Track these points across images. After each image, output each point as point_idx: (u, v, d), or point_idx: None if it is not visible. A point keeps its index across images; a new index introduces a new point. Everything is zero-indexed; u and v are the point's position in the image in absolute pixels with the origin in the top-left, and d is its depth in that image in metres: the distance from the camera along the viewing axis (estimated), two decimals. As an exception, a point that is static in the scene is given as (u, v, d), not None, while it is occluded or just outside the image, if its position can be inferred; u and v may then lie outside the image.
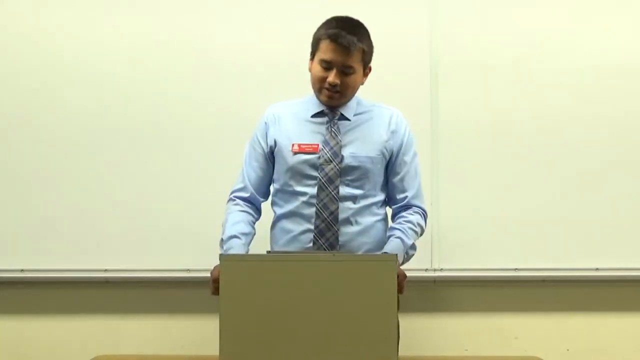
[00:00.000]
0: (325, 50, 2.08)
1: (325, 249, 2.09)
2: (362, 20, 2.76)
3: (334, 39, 2.05)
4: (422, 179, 2.24)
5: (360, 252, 2.12)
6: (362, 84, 2.18)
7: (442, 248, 2.76)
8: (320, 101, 2.17)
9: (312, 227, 2.11)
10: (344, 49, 2.05)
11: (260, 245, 2.17)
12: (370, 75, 2.60)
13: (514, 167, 2.77)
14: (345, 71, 2.09)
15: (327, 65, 2.09)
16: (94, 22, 2.79)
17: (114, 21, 2.78)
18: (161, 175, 2.76)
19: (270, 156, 2.20)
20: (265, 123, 2.21)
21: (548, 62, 2.78)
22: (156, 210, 2.75)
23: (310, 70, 2.15)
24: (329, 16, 2.16)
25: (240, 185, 2.22)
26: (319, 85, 2.13)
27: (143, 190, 2.76)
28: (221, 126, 2.63)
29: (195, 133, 2.76)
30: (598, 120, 2.78)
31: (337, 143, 2.14)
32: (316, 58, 2.12)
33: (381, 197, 2.21)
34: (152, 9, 2.79)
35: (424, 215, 2.23)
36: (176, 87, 2.77)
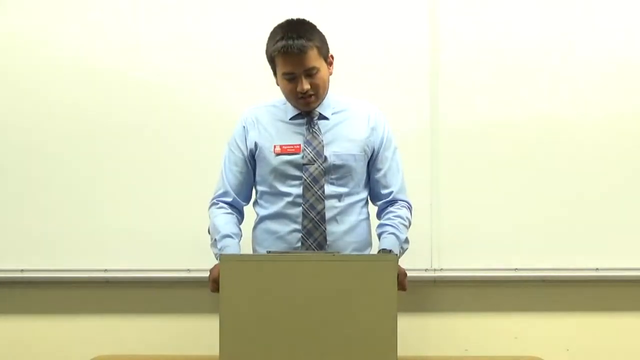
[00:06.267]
0: (283, 64, 2.08)
1: (313, 249, 2.10)
2: (361, 21, 2.79)
3: (285, 51, 2.05)
4: (404, 173, 2.26)
5: (347, 251, 2.13)
6: (331, 74, 2.18)
7: (442, 248, 2.76)
8: (300, 110, 2.18)
9: (299, 227, 2.12)
10: (299, 55, 2.05)
11: (243, 247, 2.18)
12: (370, 75, 2.61)
13: (514, 167, 2.77)
14: (309, 74, 2.09)
15: (290, 77, 2.09)
16: (91, 21, 2.79)
17: (113, 21, 2.79)
18: (161, 175, 2.76)
19: (251, 159, 2.20)
20: (244, 127, 2.21)
21: (548, 62, 2.78)
22: (156, 210, 2.75)
23: (278, 84, 2.16)
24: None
25: (222, 190, 2.22)
26: (293, 97, 2.13)
27: (143, 190, 2.76)
28: (222, 127, 2.61)
29: (196, 133, 2.76)
30: (598, 121, 2.78)
31: (320, 143, 2.15)
32: (278, 73, 2.12)
33: (364, 194, 2.23)
34: (151, 9, 2.79)
35: (410, 209, 2.25)
36: (176, 88, 2.77)
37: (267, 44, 2.13)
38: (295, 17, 2.14)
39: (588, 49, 2.79)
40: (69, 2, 2.80)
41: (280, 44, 2.06)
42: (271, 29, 2.14)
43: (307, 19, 2.15)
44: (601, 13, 2.79)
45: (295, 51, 2.04)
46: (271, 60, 2.12)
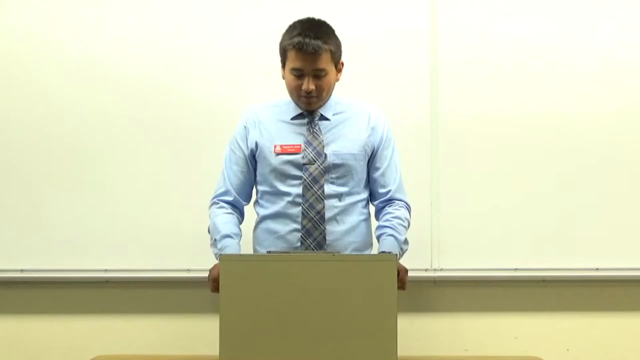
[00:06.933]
0: (294, 59, 2.08)
1: (313, 249, 2.11)
2: (362, 19, 2.79)
3: (299, 47, 2.05)
4: (404, 173, 2.26)
5: (347, 251, 2.14)
6: (337, 80, 2.19)
7: (442, 248, 2.75)
8: (300, 108, 2.18)
9: (299, 227, 2.13)
10: (312, 55, 2.05)
11: (244, 247, 2.18)
12: (370, 74, 2.61)
13: (514, 166, 2.77)
14: (317, 75, 2.09)
15: (298, 73, 2.10)
16: (91, 21, 2.79)
17: (115, 20, 2.79)
18: (161, 175, 2.76)
19: (252, 159, 2.21)
20: (245, 127, 2.22)
21: (549, 61, 2.78)
22: (156, 211, 2.75)
23: (283, 78, 2.17)
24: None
25: (223, 189, 2.22)
26: (296, 94, 2.14)
27: (143, 190, 2.76)
28: (222, 127, 2.62)
29: (195, 133, 2.76)
30: (598, 120, 2.78)
31: (320, 143, 2.15)
32: (287, 67, 2.13)
33: (365, 194, 2.23)
34: (152, 9, 2.79)
35: (409, 209, 2.25)
36: (176, 88, 2.77)
37: (283, 36, 2.13)
38: (316, 17, 2.15)
39: (589, 45, 2.78)
40: (71, 2, 2.80)
41: (296, 39, 2.06)
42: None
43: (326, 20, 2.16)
44: (602, 10, 2.79)
45: (310, 50, 2.05)
46: (283, 52, 2.13)
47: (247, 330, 1.71)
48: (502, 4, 2.79)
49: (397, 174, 2.24)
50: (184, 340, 2.77)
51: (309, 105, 2.16)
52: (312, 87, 2.09)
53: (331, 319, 1.70)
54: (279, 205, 2.16)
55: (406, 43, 2.77)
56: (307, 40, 2.05)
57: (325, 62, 2.09)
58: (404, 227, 2.19)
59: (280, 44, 2.14)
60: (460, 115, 2.77)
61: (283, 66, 2.15)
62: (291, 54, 2.09)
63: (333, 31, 2.14)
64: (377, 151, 2.22)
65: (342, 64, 2.19)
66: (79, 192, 2.76)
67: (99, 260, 2.74)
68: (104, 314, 2.80)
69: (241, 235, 2.18)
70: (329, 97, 2.19)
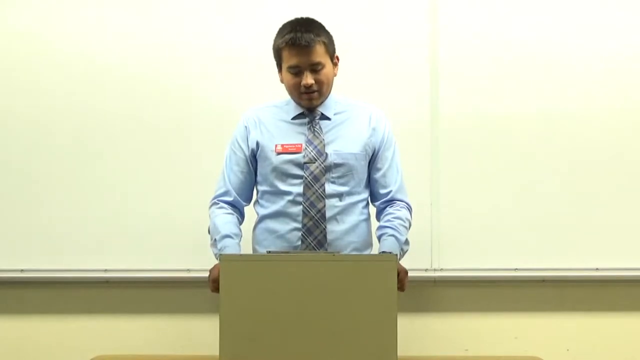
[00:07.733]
0: (289, 57, 2.09)
1: (313, 248, 2.11)
2: (362, 18, 2.79)
3: (292, 43, 2.07)
4: (405, 173, 2.26)
5: (347, 251, 2.14)
6: (335, 75, 2.20)
7: (442, 248, 2.75)
8: (302, 106, 2.19)
9: (299, 225, 2.13)
10: (305, 48, 2.07)
11: (244, 247, 2.18)
12: (370, 74, 2.60)
13: (514, 167, 2.77)
14: (314, 69, 2.10)
15: (295, 70, 2.10)
16: (91, 20, 2.79)
17: (115, 20, 2.79)
18: (161, 175, 2.76)
19: (252, 160, 2.21)
20: (246, 127, 2.22)
21: (549, 60, 2.78)
22: (156, 210, 2.75)
23: (282, 81, 2.17)
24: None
25: (223, 190, 2.22)
26: (296, 92, 2.14)
27: (143, 190, 2.76)
28: (222, 127, 2.62)
29: (196, 133, 2.76)
30: (599, 120, 2.78)
31: (321, 142, 2.16)
32: (283, 68, 2.14)
33: (365, 194, 2.23)
34: (154, 7, 2.79)
35: (410, 209, 2.25)
36: (176, 87, 2.77)
37: (275, 38, 2.14)
38: (304, 16, 2.16)
39: (589, 45, 2.78)
40: (71, 2, 2.80)
41: (288, 36, 2.08)
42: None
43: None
44: (602, 10, 2.79)
45: (303, 43, 2.06)
46: (277, 53, 2.14)
47: (247, 330, 1.71)
48: (502, 4, 2.79)
49: (398, 175, 2.25)
50: (184, 340, 2.77)
51: (311, 102, 2.16)
52: (311, 81, 2.10)
53: (331, 319, 1.71)
54: (279, 205, 2.16)
55: (406, 43, 2.77)
56: (298, 35, 2.07)
57: (320, 55, 2.10)
58: (405, 227, 2.19)
59: (273, 46, 2.15)
60: (460, 115, 2.77)
61: (280, 69, 2.16)
62: (285, 53, 2.10)
63: (323, 26, 2.16)
64: (378, 152, 2.22)
65: (338, 58, 2.20)
66: (79, 192, 2.76)
67: (99, 260, 2.74)
68: (104, 314, 2.80)
69: (241, 236, 2.18)
70: (329, 92, 2.20)
